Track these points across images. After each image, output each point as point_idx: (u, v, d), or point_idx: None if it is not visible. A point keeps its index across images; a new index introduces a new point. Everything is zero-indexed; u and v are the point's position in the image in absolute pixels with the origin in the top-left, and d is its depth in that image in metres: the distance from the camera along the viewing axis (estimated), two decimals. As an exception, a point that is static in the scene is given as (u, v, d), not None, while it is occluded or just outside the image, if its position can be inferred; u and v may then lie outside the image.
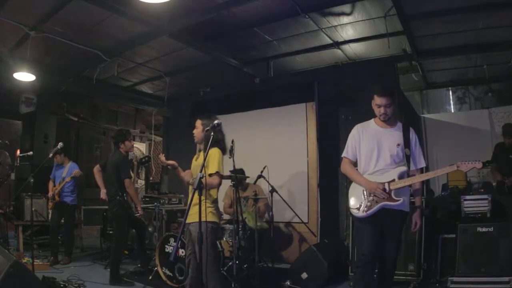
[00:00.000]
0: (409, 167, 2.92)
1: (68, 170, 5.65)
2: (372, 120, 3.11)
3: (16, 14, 4.56)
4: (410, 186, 2.97)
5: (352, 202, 3.02)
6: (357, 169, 3.08)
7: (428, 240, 4.09)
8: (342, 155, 3.15)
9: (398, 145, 2.93)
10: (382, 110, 2.94)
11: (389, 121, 3.01)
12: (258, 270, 4.43)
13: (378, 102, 2.94)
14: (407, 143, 2.94)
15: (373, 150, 2.97)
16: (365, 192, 2.95)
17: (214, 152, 3.08)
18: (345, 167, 3.12)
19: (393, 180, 2.88)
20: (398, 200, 2.85)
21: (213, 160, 3.07)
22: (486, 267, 3.64)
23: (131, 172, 4.76)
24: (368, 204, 2.91)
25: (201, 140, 3.22)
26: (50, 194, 5.60)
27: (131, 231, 5.36)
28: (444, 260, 4.02)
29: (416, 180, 2.88)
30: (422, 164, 3.00)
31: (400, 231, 2.96)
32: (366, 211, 2.91)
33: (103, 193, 5.07)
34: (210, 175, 3.02)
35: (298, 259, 4.51)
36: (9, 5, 4.32)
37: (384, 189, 2.86)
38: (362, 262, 2.92)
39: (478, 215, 4.02)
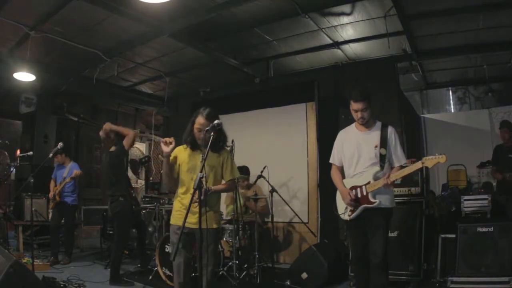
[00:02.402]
0: (383, 166, 3.00)
1: (69, 170, 5.65)
2: (354, 124, 3.22)
3: (16, 14, 4.56)
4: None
5: (339, 207, 3.21)
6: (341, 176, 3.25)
7: (428, 240, 4.09)
8: (330, 161, 3.31)
9: (376, 146, 3.03)
10: (359, 114, 3.04)
11: (367, 124, 3.10)
12: (258, 270, 4.43)
13: (354, 107, 3.03)
14: (384, 142, 3.02)
15: (354, 155, 3.11)
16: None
17: (229, 153, 3.00)
18: (332, 174, 3.30)
19: (369, 183, 2.99)
20: (374, 202, 2.97)
21: (234, 164, 3.00)
22: (486, 267, 3.63)
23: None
24: (351, 208, 3.07)
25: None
26: (51, 194, 5.60)
27: (131, 231, 5.37)
28: (444, 260, 4.01)
29: (386, 182, 2.89)
30: (402, 161, 3.06)
31: (384, 226, 3.02)
32: (350, 215, 3.08)
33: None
34: (233, 180, 2.97)
35: (298, 259, 4.51)
36: (9, 5, 4.32)
37: (356, 196, 3.02)
38: (353, 261, 3.19)
39: (478, 215, 4.02)
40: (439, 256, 4.05)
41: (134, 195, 4.76)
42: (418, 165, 2.88)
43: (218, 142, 2.80)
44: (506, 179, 4.61)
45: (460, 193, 4.82)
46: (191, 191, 2.73)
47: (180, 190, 2.92)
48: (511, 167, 4.74)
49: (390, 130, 3.08)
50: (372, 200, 2.98)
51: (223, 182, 2.96)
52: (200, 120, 2.82)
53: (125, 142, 4.52)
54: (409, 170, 2.92)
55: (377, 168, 3.00)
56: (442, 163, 2.82)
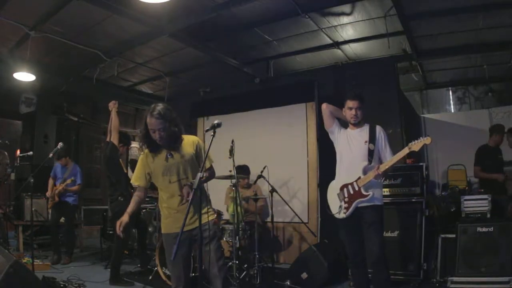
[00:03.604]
0: (371, 161, 3.11)
1: (71, 171, 5.65)
2: (347, 127, 3.36)
3: (16, 14, 4.56)
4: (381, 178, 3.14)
5: (332, 207, 3.26)
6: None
7: (428, 240, 4.09)
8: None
9: (366, 142, 3.16)
10: (353, 112, 3.19)
11: (359, 124, 3.26)
12: (258, 270, 4.43)
13: (350, 105, 3.20)
14: (372, 138, 3.16)
15: (346, 151, 3.23)
16: (339, 195, 3.18)
17: (200, 140, 2.82)
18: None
19: (359, 178, 3.08)
20: (368, 195, 3.04)
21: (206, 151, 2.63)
22: (486, 267, 3.63)
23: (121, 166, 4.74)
24: (346, 205, 3.13)
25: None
26: (48, 193, 5.59)
27: (132, 231, 5.36)
28: (444, 260, 4.01)
29: (377, 172, 2.99)
30: (390, 158, 3.13)
31: (379, 223, 3.08)
32: (345, 213, 3.13)
33: None
34: (210, 167, 2.80)
35: (298, 259, 4.51)
36: (9, 5, 4.32)
37: (348, 193, 3.11)
38: (350, 258, 3.25)
39: (478, 215, 4.02)
40: (439, 256, 4.05)
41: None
42: (405, 150, 2.98)
43: (175, 138, 2.66)
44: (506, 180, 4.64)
45: (460, 193, 4.81)
46: (176, 194, 2.65)
47: (164, 196, 2.74)
48: (500, 168, 4.78)
49: (379, 129, 3.22)
50: (365, 193, 3.05)
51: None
52: (150, 120, 2.59)
53: (113, 139, 4.50)
54: (398, 157, 3.00)
55: (366, 162, 3.10)
56: (428, 144, 2.91)
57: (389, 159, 3.07)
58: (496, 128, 5.01)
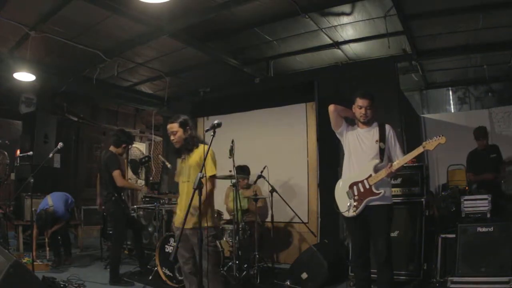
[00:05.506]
0: (382, 159, 3.10)
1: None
2: (356, 125, 3.33)
3: (16, 14, 4.56)
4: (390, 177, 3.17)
5: (340, 205, 3.22)
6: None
7: (428, 240, 4.09)
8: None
9: (377, 141, 3.15)
10: (363, 111, 3.16)
11: (368, 122, 3.24)
12: (258, 270, 4.42)
13: (360, 103, 3.16)
14: (382, 137, 3.15)
15: (357, 149, 3.20)
16: (349, 193, 3.15)
17: (210, 152, 2.98)
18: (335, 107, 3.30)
19: (370, 176, 3.06)
20: (379, 193, 3.02)
21: (210, 162, 2.97)
22: (486, 267, 3.62)
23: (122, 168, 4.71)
24: (355, 203, 3.10)
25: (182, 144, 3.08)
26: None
27: (129, 231, 5.34)
28: (444, 260, 4.01)
29: (390, 170, 2.99)
30: (401, 156, 3.13)
31: (387, 224, 3.08)
32: (355, 211, 3.09)
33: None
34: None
35: (298, 259, 4.51)
36: (9, 5, 4.32)
37: (359, 191, 3.09)
38: (354, 258, 3.25)
39: (478, 215, 4.02)
40: (439, 256, 4.04)
41: (124, 198, 4.71)
42: (419, 149, 2.96)
43: (188, 143, 3.04)
44: (497, 178, 4.69)
45: (460, 193, 4.82)
46: (183, 193, 3.05)
47: (180, 193, 3.21)
48: (493, 168, 4.80)
49: (388, 128, 3.21)
50: (376, 191, 3.02)
51: None
52: (174, 126, 3.07)
53: (118, 182, 4.46)
54: (411, 155, 2.99)
55: (377, 161, 3.08)
56: (442, 143, 2.90)
57: (401, 158, 3.06)
58: (481, 133, 5.11)
